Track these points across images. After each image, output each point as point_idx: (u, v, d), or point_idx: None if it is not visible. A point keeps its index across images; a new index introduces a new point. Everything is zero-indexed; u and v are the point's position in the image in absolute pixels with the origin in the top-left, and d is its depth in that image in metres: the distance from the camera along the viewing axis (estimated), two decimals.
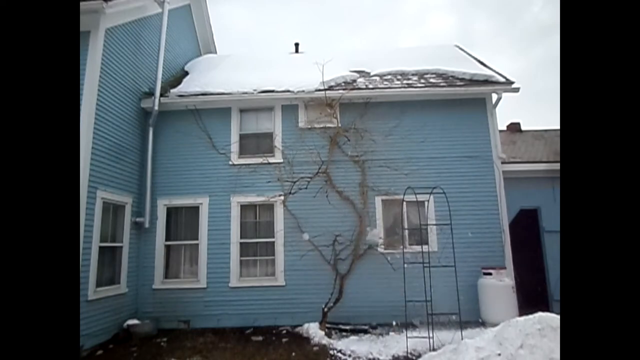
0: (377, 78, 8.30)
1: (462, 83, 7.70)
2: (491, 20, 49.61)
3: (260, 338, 6.25)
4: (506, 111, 38.22)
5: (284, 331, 6.61)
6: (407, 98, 7.76)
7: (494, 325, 5.07)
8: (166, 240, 7.48)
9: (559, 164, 7.58)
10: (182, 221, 7.63)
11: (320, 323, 6.42)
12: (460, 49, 10.18)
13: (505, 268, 6.87)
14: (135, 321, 6.57)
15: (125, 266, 6.84)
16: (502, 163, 7.59)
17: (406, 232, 7.27)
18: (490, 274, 6.64)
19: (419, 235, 7.14)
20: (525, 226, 8.22)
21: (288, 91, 7.68)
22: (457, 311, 6.07)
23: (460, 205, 7.15)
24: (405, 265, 6.06)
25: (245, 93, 7.73)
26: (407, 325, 6.21)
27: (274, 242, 7.39)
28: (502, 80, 7.61)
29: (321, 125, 7.68)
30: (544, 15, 41.85)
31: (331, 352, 5.45)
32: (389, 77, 8.34)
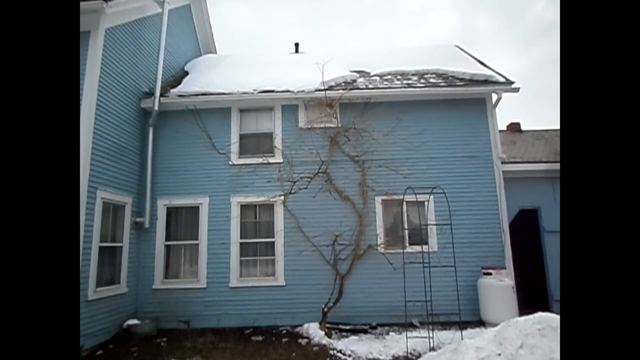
0: (377, 78, 8.30)
1: (462, 83, 7.70)
2: (493, 19, 49.66)
3: (260, 338, 6.25)
4: (506, 111, 38.29)
5: (284, 331, 6.61)
6: (407, 98, 7.76)
7: (494, 325, 5.07)
8: (166, 240, 7.48)
9: (559, 164, 7.58)
10: (182, 221, 7.63)
11: (320, 323, 6.42)
12: (460, 49, 10.19)
13: (505, 268, 6.88)
14: (135, 321, 6.58)
15: (125, 266, 6.84)
16: (502, 163, 7.59)
17: (406, 232, 7.27)
18: (490, 274, 6.64)
19: (419, 235, 7.14)
20: (525, 226, 8.21)
21: (288, 91, 7.67)
22: (457, 311, 6.07)
23: (460, 205, 7.15)
24: (405, 266, 6.05)
25: (245, 93, 7.73)
26: (407, 325, 6.21)
27: (274, 242, 7.39)
28: (502, 80, 7.61)
29: (321, 125, 7.68)
30: (547, 13, 41.90)
31: (331, 352, 5.45)
32: (389, 77, 8.34)
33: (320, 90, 7.57)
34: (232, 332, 6.66)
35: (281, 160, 7.65)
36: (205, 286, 7.23)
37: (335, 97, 7.61)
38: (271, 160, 7.65)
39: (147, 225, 7.30)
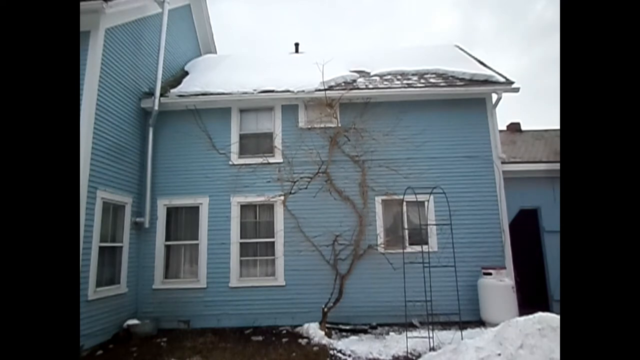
0: (377, 78, 8.30)
1: (462, 83, 7.70)
2: (494, 19, 49.66)
3: (260, 338, 6.25)
4: (506, 111, 38.30)
5: (284, 331, 6.61)
6: (407, 98, 7.76)
7: (494, 325, 5.07)
8: (166, 240, 7.48)
9: (559, 164, 7.58)
10: (182, 221, 7.63)
11: (320, 323, 6.42)
12: (460, 49, 10.19)
13: (505, 268, 6.88)
14: (135, 321, 6.58)
15: (125, 266, 6.83)
16: (502, 163, 7.59)
17: (406, 232, 7.27)
18: (490, 274, 6.64)
19: (419, 235, 7.14)
20: (525, 226, 8.21)
21: (288, 91, 7.67)
22: (457, 311, 6.07)
23: (460, 205, 7.15)
24: (405, 266, 6.05)
25: (245, 93, 7.73)
26: (407, 325, 6.21)
27: (274, 242, 7.39)
28: (502, 80, 7.61)
29: (321, 125, 7.68)
30: (547, 13, 41.89)
31: (331, 352, 5.45)
32: (389, 77, 8.34)
33: (320, 90, 7.57)
34: (232, 332, 6.66)
35: (281, 160, 7.65)
36: (205, 286, 7.23)
37: (335, 97, 7.60)
38: (271, 160, 7.64)
39: (147, 225, 7.30)
